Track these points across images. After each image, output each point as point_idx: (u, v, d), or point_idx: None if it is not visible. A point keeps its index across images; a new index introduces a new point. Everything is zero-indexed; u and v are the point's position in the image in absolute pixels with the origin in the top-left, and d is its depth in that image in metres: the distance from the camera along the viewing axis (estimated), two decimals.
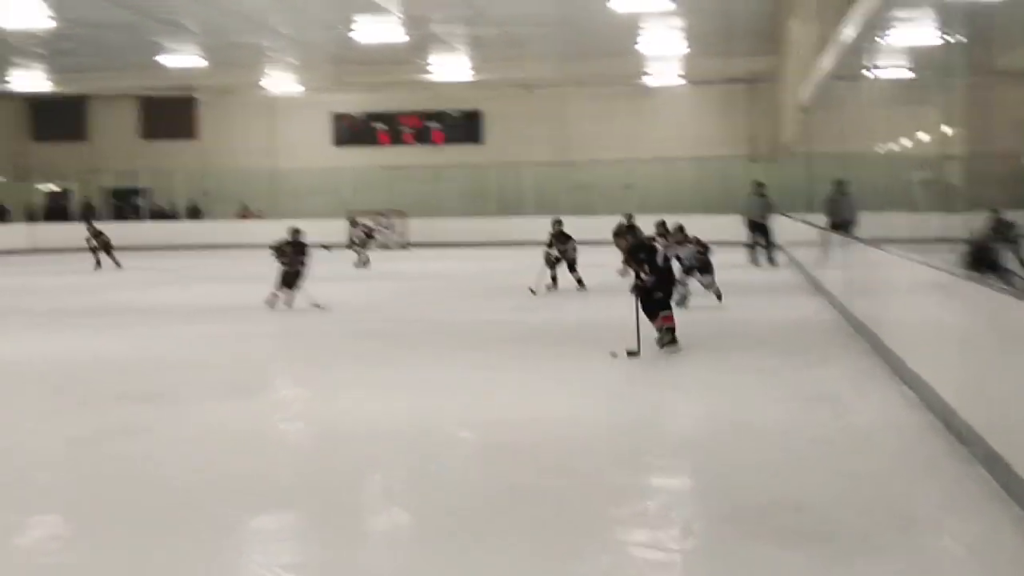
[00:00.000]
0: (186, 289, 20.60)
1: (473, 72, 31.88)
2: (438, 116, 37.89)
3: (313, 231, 33.66)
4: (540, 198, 35.41)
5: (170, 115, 38.22)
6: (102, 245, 25.45)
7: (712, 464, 7.06)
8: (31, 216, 36.81)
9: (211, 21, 25.29)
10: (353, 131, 38.24)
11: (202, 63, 29.94)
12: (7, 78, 32.82)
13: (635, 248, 11.84)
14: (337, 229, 32.77)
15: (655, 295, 11.46)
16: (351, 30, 25.49)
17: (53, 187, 38.47)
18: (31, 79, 33.05)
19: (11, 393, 10.27)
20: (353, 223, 26.96)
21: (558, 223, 18.64)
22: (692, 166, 34.91)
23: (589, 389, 9.64)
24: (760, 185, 23.55)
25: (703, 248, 15.54)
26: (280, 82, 34.24)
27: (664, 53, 29.79)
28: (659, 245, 12.19)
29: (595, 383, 9.96)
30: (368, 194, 35.80)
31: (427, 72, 31.95)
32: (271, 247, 16.48)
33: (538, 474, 6.78)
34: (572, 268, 18.32)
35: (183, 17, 24.91)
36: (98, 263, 25.12)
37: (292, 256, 16.24)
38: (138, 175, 37.72)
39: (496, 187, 35.93)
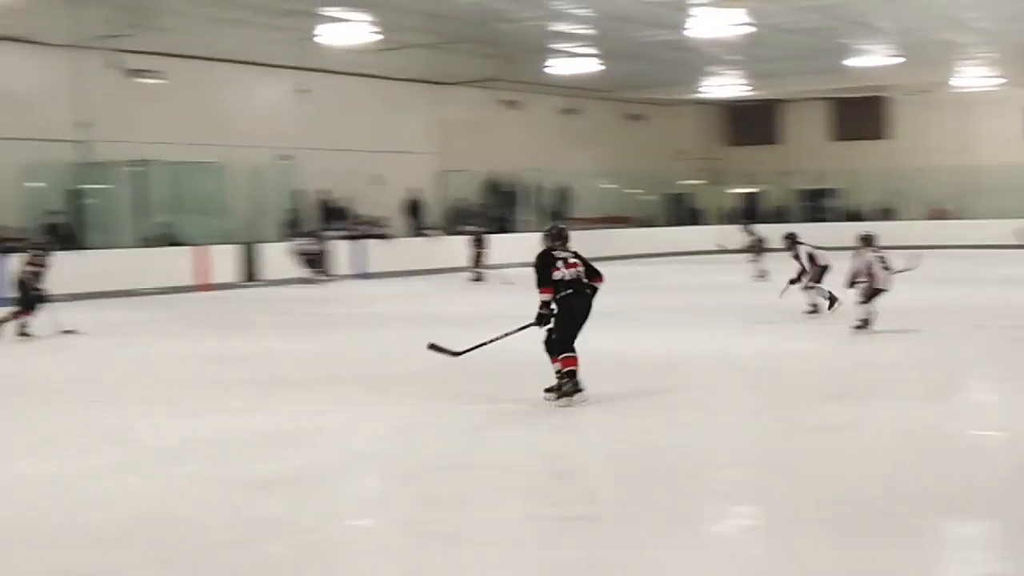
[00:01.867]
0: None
1: None
2: None
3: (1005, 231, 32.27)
4: None
5: (859, 116, 38.17)
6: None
7: None
8: (722, 218, 38.37)
9: (904, 20, 24.95)
10: None
11: (892, 63, 29.62)
12: (703, 86, 34.47)
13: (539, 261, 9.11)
14: None
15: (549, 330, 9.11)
16: None
17: (744, 190, 39.82)
18: (726, 86, 34.46)
19: (708, 387, 10.76)
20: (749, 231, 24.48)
21: None
22: None
23: None
24: None
25: None
26: (974, 78, 33.03)
27: None
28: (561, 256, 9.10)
29: None
30: None
31: None
32: None
33: None
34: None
35: (875, 18, 24.80)
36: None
37: None
38: (827, 176, 38.06)
39: None
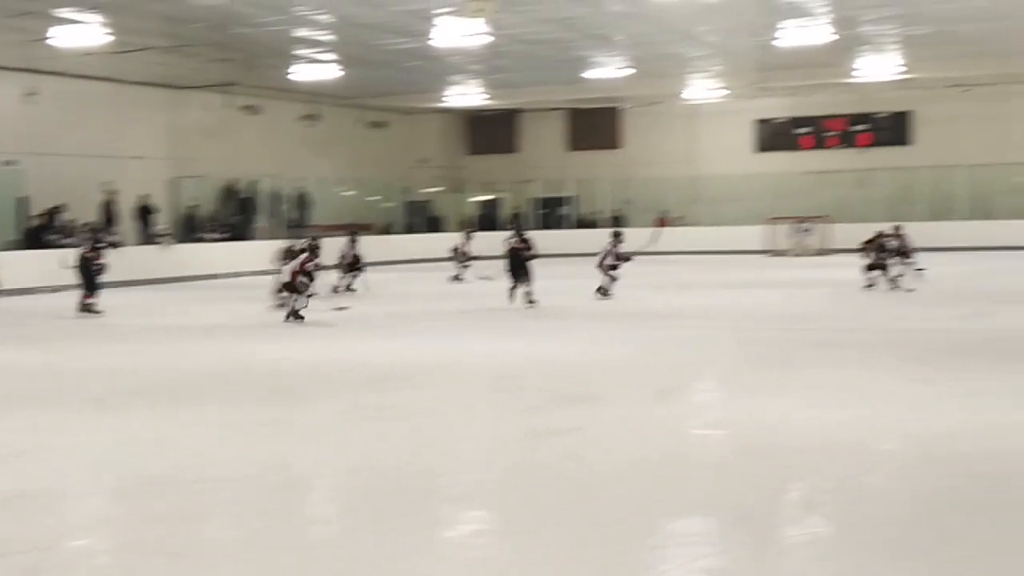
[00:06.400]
0: (615, 297, 20.95)
1: (903, 72, 30.69)
2: (864, 118, 36.83)
3: (733, 238, 33.85)
4: (974, 202, 33.73)
5: (595, 126, 39.19)
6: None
7: None
8: (464, 225, 38.68)
9: (640, 34, 25.62)
10: (775, 136, 37.84)
11: (625, 74, 30.47)
12: (445, 95, 34.72)
13: None
14: (757, 236, 32.66)
15: None
16: (775, 37, 25.19)
17: (485, 197, 40.24)
18: (467, 95, 34.80)
19: (450, 392, 10.78)
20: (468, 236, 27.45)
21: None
22: None
23: None
24: None
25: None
26: (702, 90, 34.37)
27: None
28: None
29: None
30: (790, 200, 35.33)
31: (853, 74, 31.10)
32: None
33: (968, 488, 6.49)
34: None
35: (613, 32, 25.41)
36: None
37: None
38: (564, 185, 38.92)
39: (927, 190, 34.53)
